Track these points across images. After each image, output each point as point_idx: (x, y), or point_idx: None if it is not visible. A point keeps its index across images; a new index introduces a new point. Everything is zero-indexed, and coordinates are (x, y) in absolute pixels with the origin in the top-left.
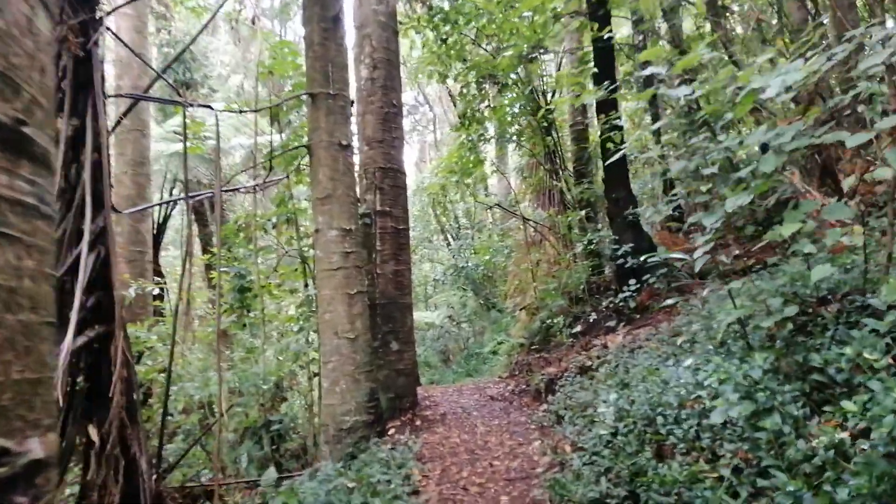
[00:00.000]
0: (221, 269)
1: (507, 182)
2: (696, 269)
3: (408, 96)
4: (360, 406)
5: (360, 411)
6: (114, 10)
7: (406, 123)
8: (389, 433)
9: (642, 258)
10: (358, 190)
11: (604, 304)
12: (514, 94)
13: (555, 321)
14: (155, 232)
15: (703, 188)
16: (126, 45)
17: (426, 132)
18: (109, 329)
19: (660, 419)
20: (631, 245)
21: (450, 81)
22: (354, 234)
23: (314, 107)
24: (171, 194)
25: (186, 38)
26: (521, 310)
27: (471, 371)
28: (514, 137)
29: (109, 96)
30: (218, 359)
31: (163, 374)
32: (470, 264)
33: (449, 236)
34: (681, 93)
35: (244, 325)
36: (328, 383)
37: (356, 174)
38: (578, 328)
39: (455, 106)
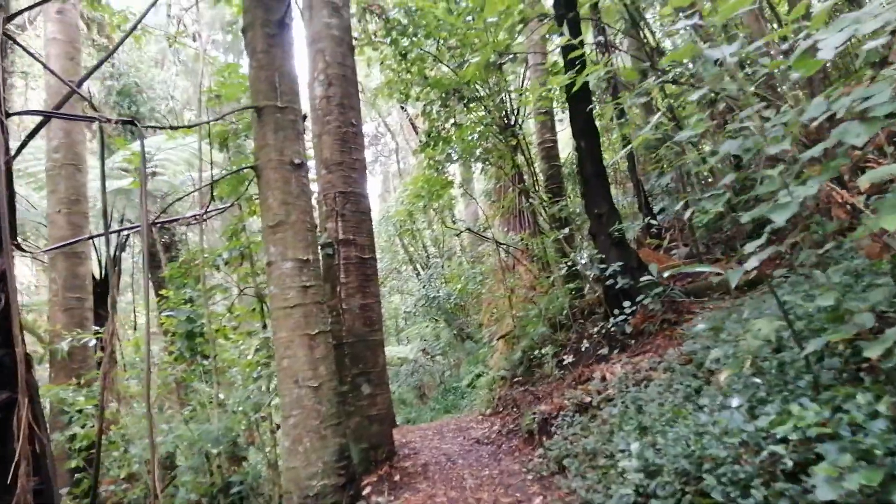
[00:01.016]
0: (167, 314)
1: (475, 207)
2: (732, 286)
3: (369, 127)
4: (328, 467)
5: (329, 473)
6: (14, 16)
7: (368, 154)
8: (365, 494)
9: (636, 279)
10: (317, 217)
11: (594, 329)
12: (483, 110)
13: (542, 351)
14: (102, 276)
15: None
16: (43, 63)
17: (389, 162)
18: (12, 396)
19: (710, 480)
20: (619, 264)
21: (411, 108)
22: (313, 265)
23: (260, 122)
24: (118, 235)
25: (132, 70)
26: (498, 339)
27: (449, 407)
28: (482, 157)
29: (11, 114)
30: (150, 422)
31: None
32: (441, 294)
33: (418, 266)
34: (726, 51)
35: (201, 374)
36: (290, 442)
37: (315, 200)
38: (570, 358)
39: (417, 134)
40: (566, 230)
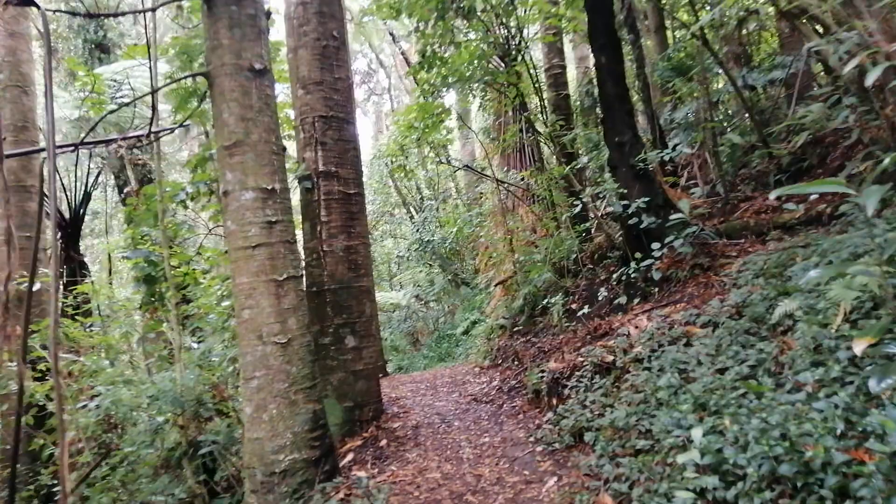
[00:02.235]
0: (123, 255)
1: (472, 147)
2: (870, 212)
3: (360, 63)
4: (298, 439)
5: (300, 446)
6: None
7: (360, 93)
8: (345, 464)
9: (664, 217)
10: (295, 148)
11: (605, 276)
12: (483, 28)
13: (549, 300)
14: (71, 214)
15: None
16: None
17: (382, 101)
18: None
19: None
20: (644, 200)
21: (404, 43)
22: (280, 196)
23: (211, 16)
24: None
25: None
26: (496, 285)
27: (443, 355)
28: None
29: None
30: (58, 396)
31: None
32: (436, 238)
33: (411, 208)
34: None
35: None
36: (252, 408)
37: (292, 125)
38: (585, 309)
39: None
40: (577, 163)
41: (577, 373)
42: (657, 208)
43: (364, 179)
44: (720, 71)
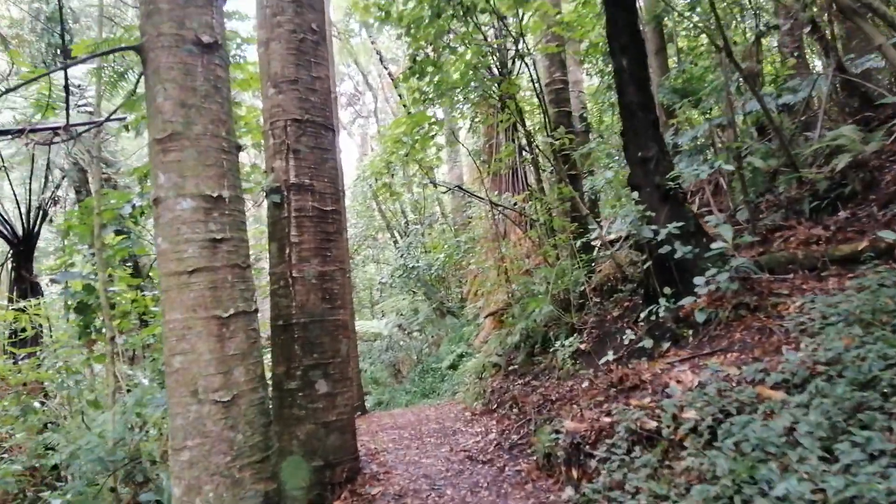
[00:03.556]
0: (52, 277)
1: (459, 171)
2: None
3: (347, 85)
4: None
5: None
6: None
7: (345, 115)
8: None
9: (700, 246)
10: (263, 157)
11: (627, 313)
12: (479, 34)
13: (561, 341)
14: (25, 231)
15: None
16: None
17: (368, 124)
18: None
19: None
20: (677, 225)
21: (393, 67)
22: (230, 206)
23: None
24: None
25: None
26: (486, 317)
27: (427, 390)
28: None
29: None
30: None
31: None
32: (421, 264)
33: (396, 233)
34: None
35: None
36: (181, 490)
37: (263, 131)
38: (609, 355)
39: (396, 88)
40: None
41: (607, 439)
42: (688, 235)
43: (346, 202)
44: (735, 89)
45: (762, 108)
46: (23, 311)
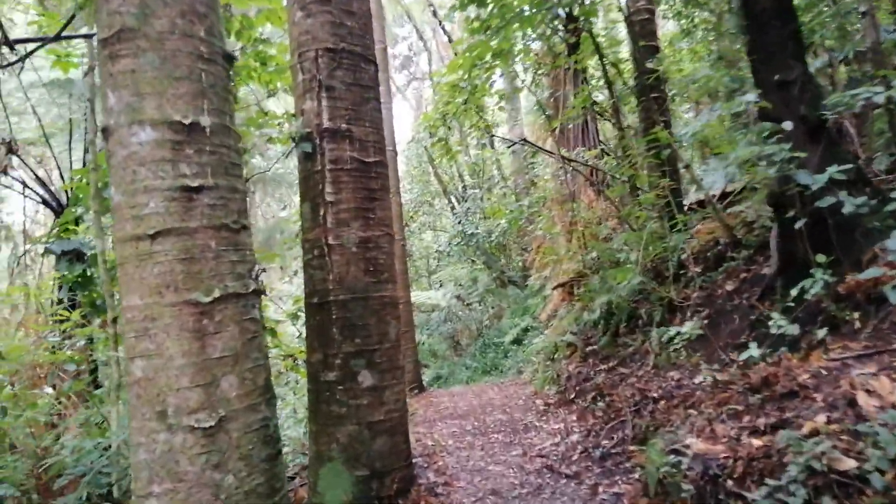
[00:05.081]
0: (46, 246)
1: (520, 130)
2: None
3: (401, 47)
4: None
5: None
6: None
7: (400, 78)
8: None
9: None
10: (293, 96)
11: (743, 287)
12: None
13: (656, 319)
14: (66, 204)
15: None
16: None
17: (423, 87)
18: None
19: None
20: (841, 169)
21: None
22: (213, 139)
23: None
24: None
25: None
26: (554, 288)
27: (488, 367)
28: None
29: None
30: None
31: None
32: (480, 231)
33: (453, 198)
34: None
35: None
36: None
37: (290, 65)
38: (752, 349)
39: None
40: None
41: (767, 477)
42: (848, 185)
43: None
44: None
45: None
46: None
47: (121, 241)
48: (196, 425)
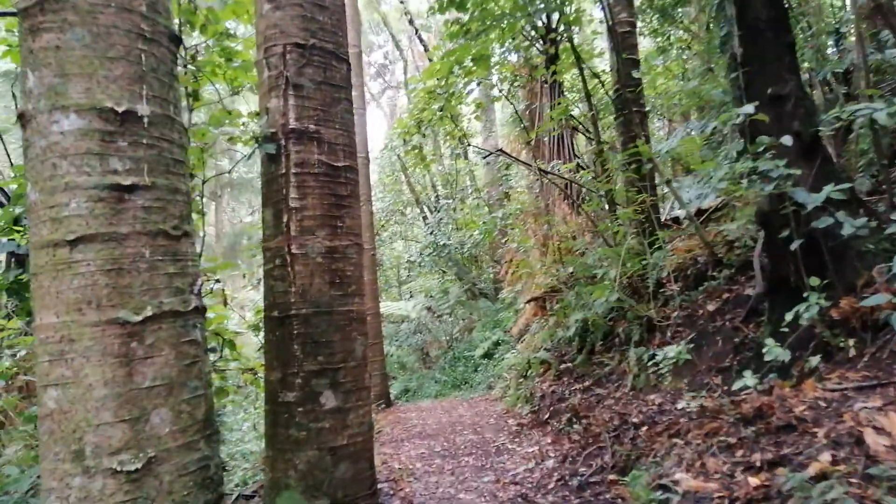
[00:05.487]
0: None
1: (494, 141)
2: None
3: (377, 55)
4: None
5: None
6: None
7: (375, 86)
8: None
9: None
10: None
11: (726, 308)
12: None
13: (634, 338)
14: None
15: None
16: None
17: (398, 96)
18: None
19: None
20: (838, 188)
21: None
22: (150, 130)
23: None
24: None
25: None
26: (527, 302)
27: (458, 381)
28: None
29: None
30: None
31: None
32: (452, 242)
33: (425, 208)
34: None
35: None
36: None
37: (256, 61)
38: (748, 376)
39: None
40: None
41: None
42: (843, 205)
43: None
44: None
45: None
46: None
47: (35, 248)
48: (119, 468)
